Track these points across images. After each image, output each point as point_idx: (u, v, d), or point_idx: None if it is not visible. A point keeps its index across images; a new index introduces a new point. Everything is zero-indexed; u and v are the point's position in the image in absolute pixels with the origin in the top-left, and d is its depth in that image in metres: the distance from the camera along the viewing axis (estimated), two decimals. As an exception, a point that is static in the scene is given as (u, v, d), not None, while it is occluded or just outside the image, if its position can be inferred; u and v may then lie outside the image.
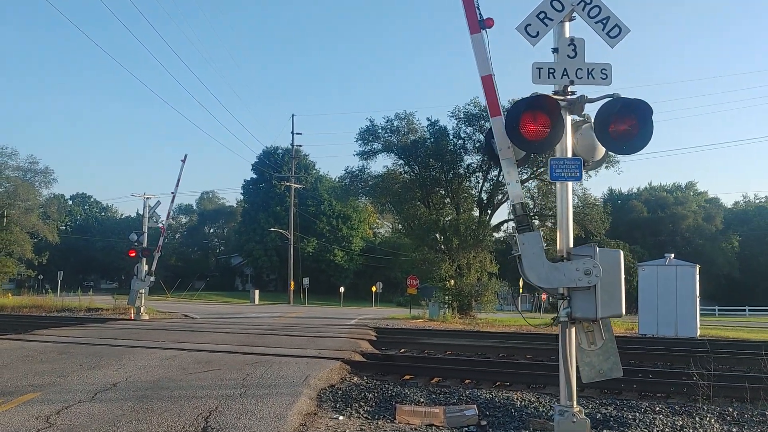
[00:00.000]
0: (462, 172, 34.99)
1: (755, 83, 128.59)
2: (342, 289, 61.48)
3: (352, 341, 14.93)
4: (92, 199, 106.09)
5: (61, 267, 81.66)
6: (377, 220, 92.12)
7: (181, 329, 18.67)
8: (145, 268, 29.50)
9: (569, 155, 5.85)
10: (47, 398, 7.55)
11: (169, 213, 35.48)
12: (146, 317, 27.85)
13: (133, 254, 29.43)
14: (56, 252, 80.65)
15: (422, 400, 8.41)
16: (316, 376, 9.45)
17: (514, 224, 5.88)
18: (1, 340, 14.12)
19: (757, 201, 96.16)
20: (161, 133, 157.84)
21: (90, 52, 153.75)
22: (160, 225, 36.09)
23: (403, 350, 15.09)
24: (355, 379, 10.11)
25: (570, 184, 5.90)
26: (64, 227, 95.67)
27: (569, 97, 5.76)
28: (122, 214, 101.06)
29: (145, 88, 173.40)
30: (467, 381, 10.25)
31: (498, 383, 10.07)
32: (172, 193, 31.90)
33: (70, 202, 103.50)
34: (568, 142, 5.85)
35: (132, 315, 27.74)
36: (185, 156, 29.90)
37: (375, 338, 16.64)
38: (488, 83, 5.78)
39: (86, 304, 38.86)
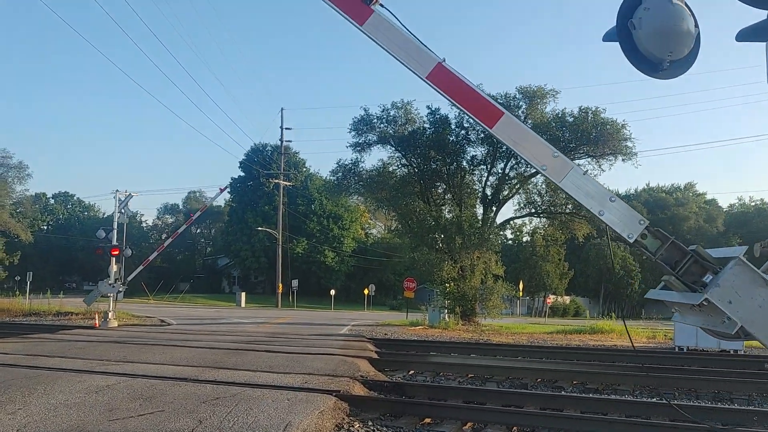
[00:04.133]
0: (465, 164, 32.10)
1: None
2: (333, 292, 58.46)
3: (349, 361, 11.90)
4: (75, 198, 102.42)
5: (40, 267, 78.28)
6: (369, 220, 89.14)
7: (143, 341, 15.59)
8: (115, 268, 26.42)
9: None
10: None
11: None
12: (114, 324, 24.78)
13: (100, 252, 26.34)
14: (35, 252, 77.18)
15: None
16: (300, 426, 6.45)
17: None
18: None
19: (753, 203, 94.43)
20: (146, 129, 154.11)
21: (67, 39, 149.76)
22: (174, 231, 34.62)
23: (411, 372, 12.09)
24: (357, 425, 7.13)
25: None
26: (45, 226, 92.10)
27: None
28: (104, 213, 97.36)
29: (128, 80, 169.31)
30: (515, 429, 7.27)
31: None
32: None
33: (52, 201, 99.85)
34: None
35: (97, 322, 24.63)
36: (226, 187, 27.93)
37: (375, 355, 13.61)
38: None
39: (56, 308, 35.79)
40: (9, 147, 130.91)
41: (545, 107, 30.71)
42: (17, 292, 48.91)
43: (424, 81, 5.38)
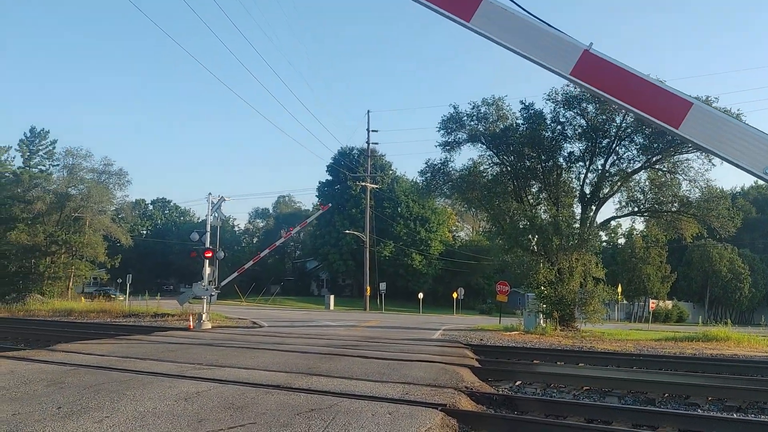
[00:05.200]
0: (561, 161, 30.49)
1: None
2: (421, 295, 57.61)
3: (449, 369, 10.98)
4: (171, 204, 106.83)
5: (140, 270, 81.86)
6: (457, 223, 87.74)
7: (235, 344, 15.28)
8: (208, 271, 26.65)
9: None
10: None
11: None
12: (208, 325, 24.94)
13: (194, 255, 26.64)
14: (134, 255, 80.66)
15: None
16: (406, 446, 5.62)
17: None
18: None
19: None
20: (238, 135, 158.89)
21: (161, 49, 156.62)
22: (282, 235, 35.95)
23: (518, 382, 11.04)
24: (470, 447, 6.23)
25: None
26: (144, 231, 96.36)
27: None
28: (199, 218, 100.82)
29: (219, 86, 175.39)
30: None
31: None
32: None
33: (151, 207, 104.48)
34: None
35: (191, 323, 24.84)
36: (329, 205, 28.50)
37: (477, 363, 12.63)
38: None
39: (153, 309, 36.80)
40: (110, 155, 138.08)
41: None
42: (118, 294, 51.11)
43: (567, 78, 4.34)
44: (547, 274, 27.87)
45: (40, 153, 62.35)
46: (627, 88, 4.06)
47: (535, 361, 14.27)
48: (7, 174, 54.75)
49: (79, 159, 53.85)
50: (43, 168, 61.50)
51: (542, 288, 28.08)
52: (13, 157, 62.19)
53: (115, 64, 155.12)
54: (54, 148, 62.38)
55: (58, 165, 58.15)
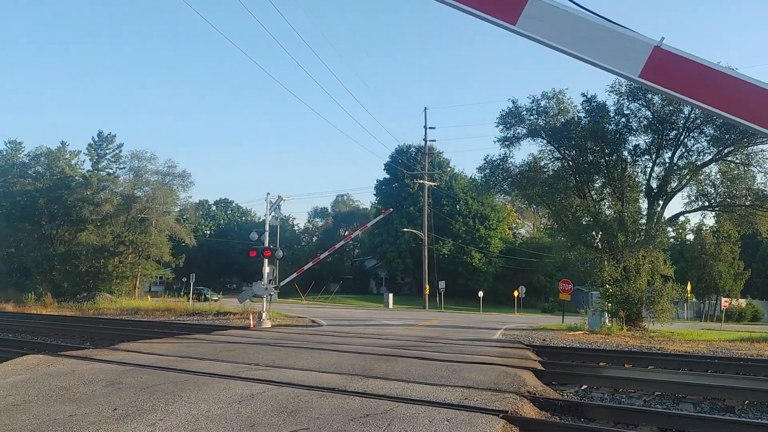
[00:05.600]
0: (626, 155, 29.38)
1: None
2: (481, 294, 56.83)
3: (511, 372, 10.55)
4: (234, 204, 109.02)
5: (203, 270, 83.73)
6: (517, 220, 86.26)
7: (292, 344, 15.23)
8: (268, 269, 26.85)
9: None
10: None
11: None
12: (268, 324, 25.11)
13: (253, 254, 26.86)
14: (198, 255, 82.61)
15: None
16: (465, 458, 5.28)
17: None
18: (55, 363, 11.24)
19: None
20: (297, 135, 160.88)
21: (218, 52, 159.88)
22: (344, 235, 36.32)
23: (583, 386, 10.50)
24: (534, 459, 5.85)
25: None
26: (208, 231, 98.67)
27: None
28: (260, 218, 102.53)
29: (276, 87, 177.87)
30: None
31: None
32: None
33: (214, 207, 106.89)
34: None
35: (251, 322, 25.06)
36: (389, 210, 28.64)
37: (539, 365, 12.12)
38: None
39: (216, 308, 37.50)
40: (174, 158, 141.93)
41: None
42: (182, 293, 52.36)
43: (636, 81, 3.85)
44: (613, 271, 26.89)
45: (108, 156, 64.61)
46: (708, 88, 3.54)
47: (601, 364, 13.64)
48: (77, 177, 56.84)
49: (144, 161, 55.53)
50: (111, 171, 63.71)
51: (607, 286, 27.10)
52: (83, 161, 64.69)
53: (179, 72, 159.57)
54: (120, 151, 64.58)
55: (124, 168, 60.14)
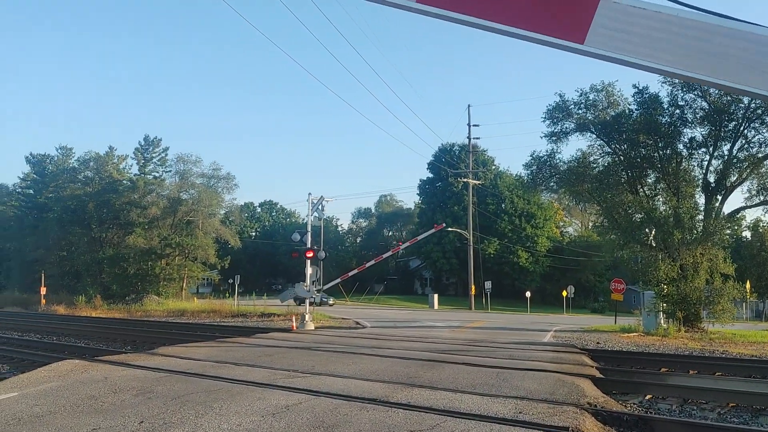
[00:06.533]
0: (681, 148, 28.02)
1: None
2: (528, 294, 55.52)
3: (567, 381, 9.76)
4: (278, 206, 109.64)
5: (249, 271, 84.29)
6: (564, 218, 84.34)
7: (334, 348, 14.71)
8: (310, 270, 26.49)
9: None
10: None
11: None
12: (311, 326, 24.71)
13: (296, 256, 26.56)
14: (244, 256, 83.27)
15: None
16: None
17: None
18: (90, 368, 10.96)
19: None
20: (340, 136, 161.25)
21: (260, 53, 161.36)
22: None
23: (648, 396, 9.64)
24: (602, 487, 5.12)
25: None
26: (253, 233, 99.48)
27: None
28: (303, 219, 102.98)
29: (319, 88, 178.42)
30: None
31: None
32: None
33: (259, 209, 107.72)
34: None
35: (294, 324, 24.71)
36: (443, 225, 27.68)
37: (597, 372, 11.28)
38: None
39: (260, 309, 37.44)
40: (219, 160, 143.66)
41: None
42: (228, 294, 52.62)
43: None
44: (668, 270, 25.64)
45: (154, 160, 65.48)
46: None
47: (663, 370, 12.71)
48: (125, 181, 57.75)
49: (190, 165, 56.05)
50: (157, 174, 64.56)
51: (663, 286, 25.87)
52: (130, 165, 65.76)
53: (224, 76, 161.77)
54: (166, 155, 65.41)
55: (170, 171, 60.86)
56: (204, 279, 66.06)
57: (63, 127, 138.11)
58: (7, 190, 72.73)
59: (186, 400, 7.65)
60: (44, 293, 48.25)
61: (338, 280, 33.12)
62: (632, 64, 3.09)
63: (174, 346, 14.63)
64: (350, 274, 33.26)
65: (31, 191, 68.97)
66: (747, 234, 70.47)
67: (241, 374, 9.88)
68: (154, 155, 65.53)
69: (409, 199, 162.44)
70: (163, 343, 16.11)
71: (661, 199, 28.74)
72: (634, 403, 9.21)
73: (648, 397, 9.62)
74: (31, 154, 70.52)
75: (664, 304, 26.31)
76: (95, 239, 54.92)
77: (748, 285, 42.24)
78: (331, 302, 49.78)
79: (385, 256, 36.73)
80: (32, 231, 60.41)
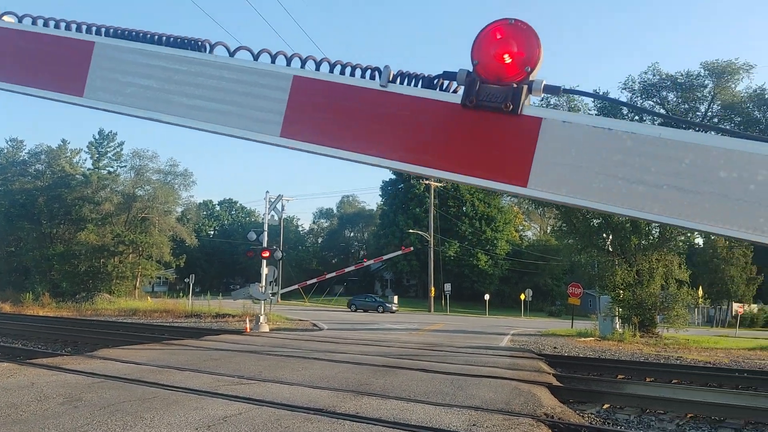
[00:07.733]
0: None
1: None
2: (487, 297, 55.65)
3: (524, 389, 9.45)
4: (238, 205, 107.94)
5: (206, 270, 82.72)
6: (524, 222, 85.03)
7: (285, 352, 14.20)
8: (266, 271, 25.85)
9: None
10: None
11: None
12: (266, 328, 24.10)
13: (251, 255, 25.89)
14: (201, 255, 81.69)
15: None
16: None
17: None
18: (17, 373, 10.24)
19: None
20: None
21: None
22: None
23: (606, 406, 9.39)
24: None
25: None
26: (211, 231, 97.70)
27: None
28: (263, 218, 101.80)
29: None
30: None
31: None
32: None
33: (218, 207, 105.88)
34: None
35: (248, 326, 24.01)
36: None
37: (554, 380, 11.03)
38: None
39: (215, 309, 36.49)
40: (177, 158, 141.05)
41: (737, 85, 26.25)
42: (183, 294, 51.31)
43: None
44: (625, 275, 25.82)
45: (109, 155, 63.66)
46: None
47: (619, 377, 12.55)
48: (78, 176, 55.95)
49: (146, 160, 54.56)
50: (111, 169, 62.77)
51: (619, 291, 26.03)
52: (84, 160, 63.77)
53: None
54: (121, 150, 63.64)
55: (125, 166, 59.21)
56: (159, 278, 64.51)
57: (13, 119, 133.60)
58: (-48, 183, 69.91)
59: (116, 410, 7.06)
60: (-11, 290, 46.37)
61: (296, 286, 32.49)
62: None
63: (116, 348, 13.89)
64: (309, 282, 32.67)
65: (-22, 184, 66.44)
66: (699, 241, 72.06)
67: (181, 380, 9.30)
68: (108, 150, 63.72)
69: (371, 200, 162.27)
70: (107, 345, 15.33)
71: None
72: (592, 413, 8.95)
73: (605, 406, 9.37)
74: (-22, 147, 67.93)
75: (620, 309, 26.48)
76: (45, 235, 53.06)
77: (700, 291, 42.96)
78: (394, 309, 49.66)
79: (347, 270, 36.26)
80: (-23, 225, 58.13)
